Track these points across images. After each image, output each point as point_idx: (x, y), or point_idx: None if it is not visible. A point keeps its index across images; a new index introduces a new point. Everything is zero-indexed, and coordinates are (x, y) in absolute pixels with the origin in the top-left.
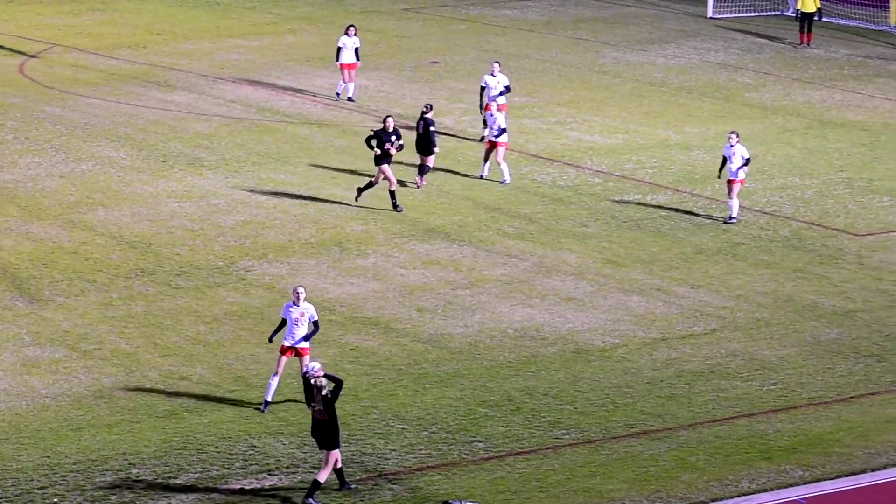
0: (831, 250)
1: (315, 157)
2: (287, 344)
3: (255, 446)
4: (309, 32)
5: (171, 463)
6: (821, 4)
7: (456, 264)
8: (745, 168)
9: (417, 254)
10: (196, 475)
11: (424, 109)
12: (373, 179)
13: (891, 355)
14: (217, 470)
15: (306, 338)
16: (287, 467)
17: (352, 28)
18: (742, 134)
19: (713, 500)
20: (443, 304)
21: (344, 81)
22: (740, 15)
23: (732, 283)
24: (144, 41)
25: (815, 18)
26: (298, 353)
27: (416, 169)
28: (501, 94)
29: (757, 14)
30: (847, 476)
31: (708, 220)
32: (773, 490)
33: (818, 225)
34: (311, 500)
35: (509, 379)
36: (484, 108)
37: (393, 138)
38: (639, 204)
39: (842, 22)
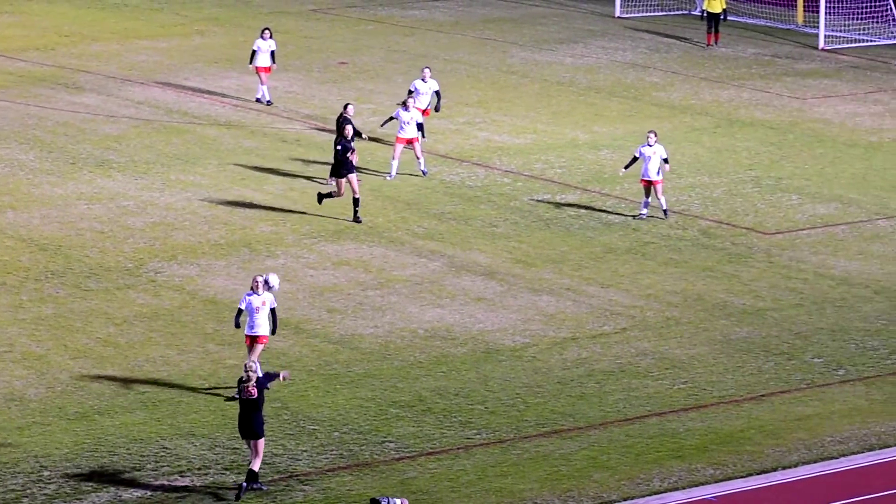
0: (740, 249)
1: (224, 159)
2: (248, 333)
3: (166, 448)
4: (216, 34)
5: (82, 465)
6: (727, 4)
7: (366, 265)
8: (664, 168)
9: (327, 254)
10: (108, 477)
11: (344, 108)
12: (334, 191)
13: (800, 353)
14: (129, 472)
15: (272, 331)
16: (199, 469)
17: (267, 31)
18: None
19: (625, 499)
20: (353, 305)
21: (262, 84)
22: (648, 14)
23: (642, 282)
24: (53, 43)
25: (721, 18)
26: (255, 341)
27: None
28: (436, 106)
29: (665, 13)
30: (758, 474)
31: (617, 220)
32: (684, 489)
33: (727, 223)
34: (256, 485)
35: (420, 379)
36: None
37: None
38: (548, 203)
39: (749, 21)
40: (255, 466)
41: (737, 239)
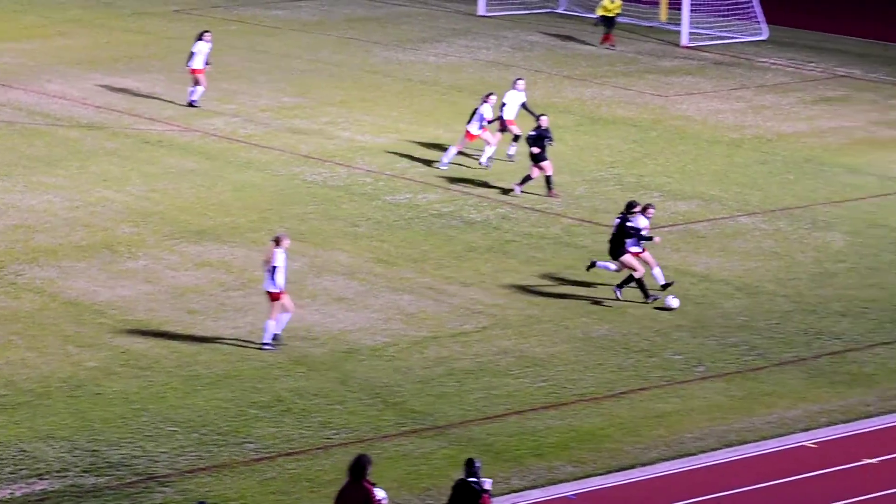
0: (602, 247)
1: (85, 160)
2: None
3: (24, 451)
4: (79, 35)
5: None
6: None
7: (227, 266)
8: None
9: (189, 256)
10: None
11: (538, 122)
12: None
13: (660, 350)
14: None
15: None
16: (58, 471)
17: (207, 34)
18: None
19: None
20: (214, 306)
21: (197, 84)
22: (511, 13)
23: (503, 280)
24: None
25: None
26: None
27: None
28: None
29: (528, 11)
30: (617, 472)
31: (478, 218)
32: (543, 486)
33: (589, 222)
34: None
35: (280, 379)
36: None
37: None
38: (410, 203)
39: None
40: None
41: (598, 237)
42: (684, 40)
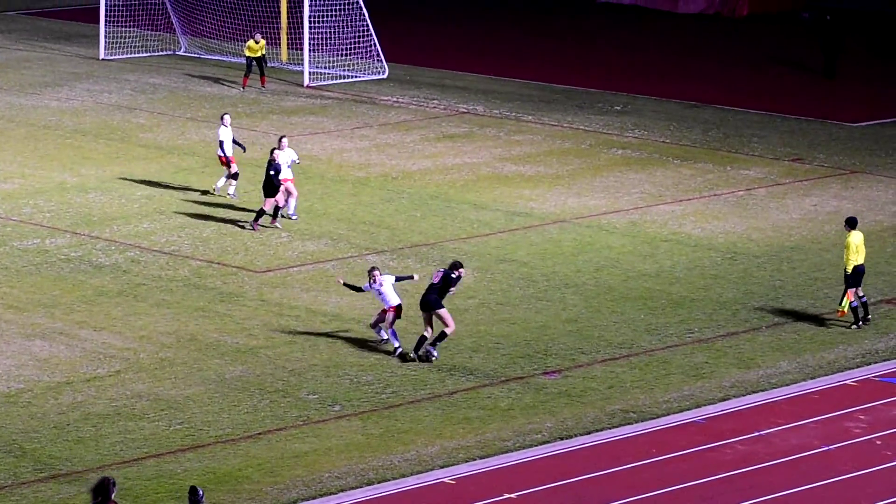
0: (232, 288)
1: None
2: None
3: None
4: None
5: None
6: (265, 50)
7: None
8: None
9: None
10: None
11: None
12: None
13: (295, 390)
14: None
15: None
16: None
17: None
18: (138, 175)
19: None
20: None
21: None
22: (133, 56)
23: (135, 324)
24: None
25: (265, 62)
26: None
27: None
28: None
29: (149, 55)
30: None
31: (107, 262)
32: None
33: (218, 263)
34: None
35: None
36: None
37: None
38: (38, 248)
39: (233, 60)
40: None
41: (228, 278)
42: (307, 80)
